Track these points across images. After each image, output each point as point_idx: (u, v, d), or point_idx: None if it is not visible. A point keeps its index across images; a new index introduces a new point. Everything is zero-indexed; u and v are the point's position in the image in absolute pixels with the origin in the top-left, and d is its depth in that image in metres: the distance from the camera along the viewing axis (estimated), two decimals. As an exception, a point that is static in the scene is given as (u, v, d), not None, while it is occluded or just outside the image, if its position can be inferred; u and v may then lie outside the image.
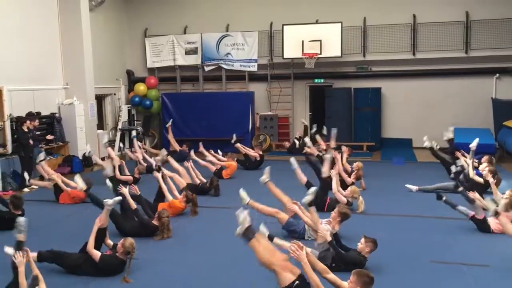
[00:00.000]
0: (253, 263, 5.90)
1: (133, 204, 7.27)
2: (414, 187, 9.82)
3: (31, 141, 10.69)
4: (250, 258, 5.99)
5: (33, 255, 5.78)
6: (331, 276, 4.67)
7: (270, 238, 5.87)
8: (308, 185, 8.01)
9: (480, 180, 8.99)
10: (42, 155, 10.05)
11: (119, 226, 7.12)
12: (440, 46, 15.15)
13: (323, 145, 12.92)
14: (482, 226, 7.15)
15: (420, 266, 5.95)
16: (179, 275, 5.83)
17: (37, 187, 10.74)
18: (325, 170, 8.42)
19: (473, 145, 9.69)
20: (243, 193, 7.02)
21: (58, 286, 5.34)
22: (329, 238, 5.62)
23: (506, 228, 6.01)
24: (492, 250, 6.34)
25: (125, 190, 7.33)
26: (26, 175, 10.04)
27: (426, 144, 11.12)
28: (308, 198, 6.05)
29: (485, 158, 10.01)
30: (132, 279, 5.59)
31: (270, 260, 4.50)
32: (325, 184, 8.41)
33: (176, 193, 8.55)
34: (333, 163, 9.64)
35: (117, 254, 5.76)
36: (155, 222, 7.11)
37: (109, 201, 6.13)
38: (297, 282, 4.39)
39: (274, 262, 4.48)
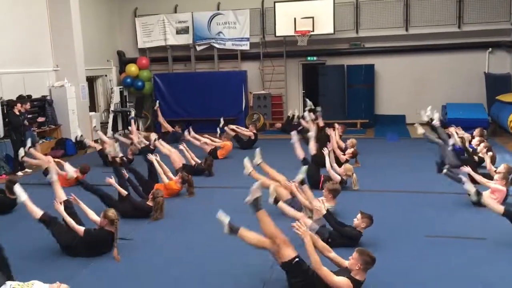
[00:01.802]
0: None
1: (122, 192, 7.22)
2: (421, 130, 9.95)
3: (26, 123, 10.63)
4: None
5: (37, 212, 5.79)
6: (333, 254, 4.70)
7: (276, 201, 5.98)
8: (304, 162, 7.99)
9: (474, 157, 9.05)
10: (29, 142, 9.91)
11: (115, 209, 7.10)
12: (433, 21, 15.07)
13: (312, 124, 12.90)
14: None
15: (416, 241, 6.01)
16: (175, 255, 5.85)
17: (30, 170, 10.72)
18: (311, 147, 8.50)
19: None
20: (247, 162, 7.29)
21: (57, 268, 5.36)
22: (324, 211, 5.69)
23: (492, 208, 5.97)
24: (487, 224, 6.40)
25: (111, 180, 7.25)
26: (21, 151, 9.84)
27: (427, 114, 10.26)
28: (299, 176, 6.16)
29: (476, 131, 10.04)
30: (129, 260, 5.63)
31: (275, 231, 4.56)
32: (316, 161, 8.45)
33: (170, 174, 8.53)
34: (326, 141, 9.68)
35: (102, 226, 5.73)
36: (149, 203, 7.10)
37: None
38: (297, 259, 4.44)
39: (278, 235, 4.53)
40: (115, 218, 5.65)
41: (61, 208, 5.80)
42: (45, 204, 8.02)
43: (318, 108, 13.15)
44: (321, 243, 4.77)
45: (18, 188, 5.85)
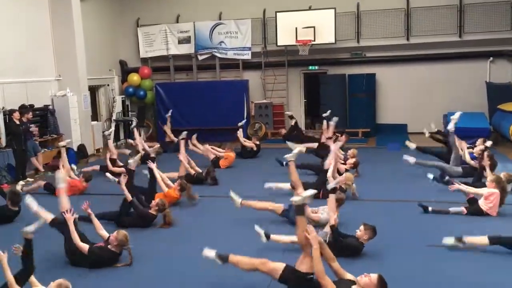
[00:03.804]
0: (250, 250, 5.96)
1: (129, 196, 7.26)
2: (412, 159, 9.76)
3: (33, 132, 10.66)
4: (247, 246, 6.04)
5: (49, 217, 5.78)
6: (336, 264, 4.65)
7: (267, 236, 5.88)
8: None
9: (475, 165, 9.06)
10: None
11: (118, 222, 7.14)
12: (433, 30, 15.12)
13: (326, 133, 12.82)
14: (475, 209, 7.22)
15: (417, 250, 6.00)
16: (175, 265, 5.85)
17: (32, 179, 10.72)
18: (328, 162, 8.39)
19: (455, 117, 9.61)
20: (233, 195, 7.08)
21: (56, 277, 5.34)
22: (333, 222, 5.63)
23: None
24: (486, 232, 6.37)
25: (122, 181, 7.35)
26: (18, 186, 9.85)
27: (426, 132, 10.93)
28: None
29: (479, 141, 10.04)
30: (128, 270, 5.64)
31: (252, 265, 4.75)
32: (325, 174, 8.39)
33: (169, 182, 8.53)
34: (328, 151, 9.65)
35: (109, 246, 5.76)
36: (153, 212, 7.13)
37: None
38: (286, 271, 4.53)
39: (255, 264, 4.70)
40: (125, 243, 5.71)
41: (71, 220, 5.76)
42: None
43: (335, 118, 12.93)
44: (328, 251, 4.70)
45: (28, 200, 5.80)
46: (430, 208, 7.45)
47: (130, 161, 7.95)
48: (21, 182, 10.41)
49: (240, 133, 12.70)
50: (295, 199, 4.71)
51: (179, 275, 5.58)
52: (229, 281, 5.28)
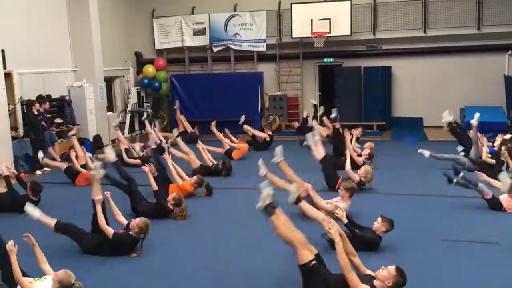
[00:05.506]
0: (264, 243, 5.98)
1: (155, 186, 7.34)
2: (427, 153, 9.65)
3: (43, 124, 10.76)
4: (261, 239, 6.06)
5: (52, 222, 5.90)
6: (357, 260, 4.56)
7: (297, 201, 5.21)
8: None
9: (492, 161, 8.95)
10: (40, 154, 9.88)
11: (135, 206, 7.19)
12: (451, 23, 14.90)
13: (330, 128, 12.78)
14: (494, 204, 7.13)
15: (432, 245, 5.96)
16: (188, 255, 5.89)
17: (49, 169, 10.84)
18: (318, 151, 8.31)
19: (474, 120, 9.42)
20: (261, 163, 6.97)
21: (73, 265, 5.41)
22: (345, 220, 5.58)
23: None
24: (502, 228, 6.34)
25: (147, 169, 7.53)
26: (40, 153, 9.97)
27: (445, 119, 10.18)
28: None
29: (499, 136, 9.92)
30: (143, 258, 5.71)
31: (289, 236, 4.48)
32: (335, 164, 8.37)
33: (184, 175, 8.51)
34: (343, 143, 9.62)
35: (130, 232, 5.81)
36: (170, 206, 7.16)
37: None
38: (314, 262, 4.38)
39: (293, 238, 4.46)
40: (146, 231, 5.76)
41: (99, 206, 5.85)
42: (65, 201, 8.19)
43: (333, 114, 12.97)
44: (350, 246, 4.59)
45: (29, 208, 5.89)
46: (455, 180, 7.36)
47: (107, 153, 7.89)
48: (38, 172, 10.58)
49: (247, 127, 12.73)
50: (259, 204, 4.59)
51: (191, 262, 5.63)
52: (241, 268, 5.29)
